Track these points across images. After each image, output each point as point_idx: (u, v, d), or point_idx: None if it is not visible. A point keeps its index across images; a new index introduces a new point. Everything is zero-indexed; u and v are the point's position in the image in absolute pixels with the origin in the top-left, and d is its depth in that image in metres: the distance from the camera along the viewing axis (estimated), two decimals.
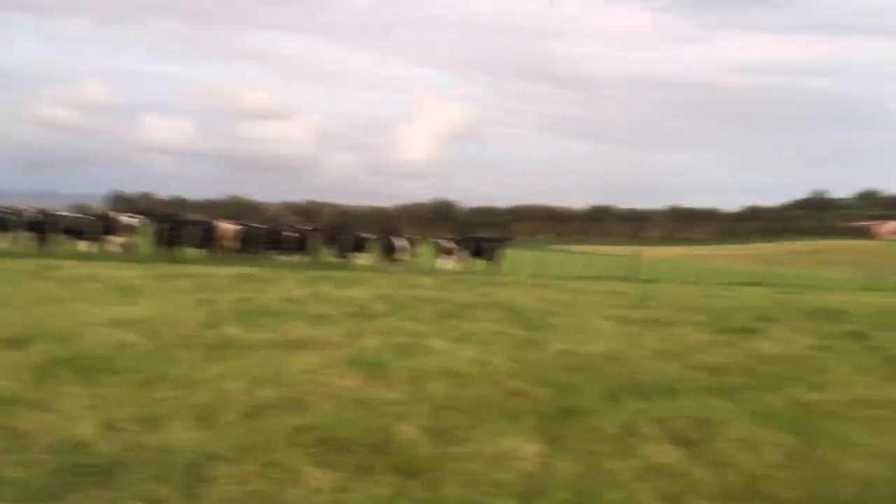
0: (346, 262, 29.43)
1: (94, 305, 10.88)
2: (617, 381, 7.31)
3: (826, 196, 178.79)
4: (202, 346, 8.01)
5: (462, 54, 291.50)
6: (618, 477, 4.64)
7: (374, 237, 31.96)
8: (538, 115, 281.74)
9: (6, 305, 10.51)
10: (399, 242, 31.65)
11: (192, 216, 37.95)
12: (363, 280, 20.02)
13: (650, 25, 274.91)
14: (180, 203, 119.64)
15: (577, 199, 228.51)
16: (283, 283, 17.42)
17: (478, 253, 32.82)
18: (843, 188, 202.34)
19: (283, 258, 28.12)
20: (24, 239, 26.10)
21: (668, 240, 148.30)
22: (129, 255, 25.81)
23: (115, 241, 27.05)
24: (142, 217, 28.79)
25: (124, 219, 28.06)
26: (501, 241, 35.24)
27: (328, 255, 30.18)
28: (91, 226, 27.29)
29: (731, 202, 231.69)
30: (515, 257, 36.76)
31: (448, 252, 32.21)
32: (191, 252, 27.51)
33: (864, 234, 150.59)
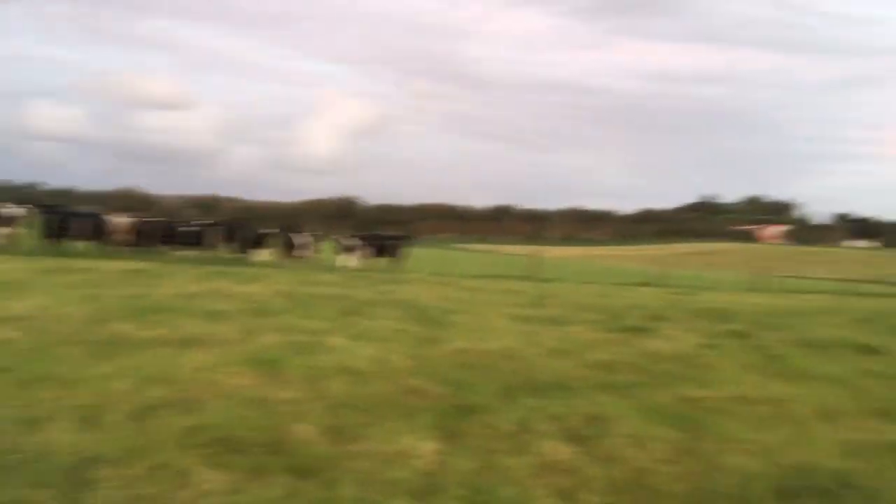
0: (245, 257, 28.81)
1: None
2: (513, 379, 7.42)
3: (715, 200, 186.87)
4: (88, 344, 7.68)
5: (368, 51, 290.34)
6: (513, 474, 4.70)
7: (275, 233, 31.41)
8: (443, 115, 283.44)
9: None
10: (301, 239, 31.22)
11: (82, 208, 36.34)
12: (262, 276, 19.63)
13: (552, 30, 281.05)
14: (69, 194, 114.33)
15: (480, 199, 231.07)
16: (177, 278, 16.90)
17: (380, 250, 32.73)
18: (731, 193, 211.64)
19: (179, 253, 27.30)
20: None
21: (567, 240, 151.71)
22: (12, 248, 24.48)
23: None
24: (28, 207, 27.34)
25: (8, 209, 26.58)
26: (404, 239, 35.26)
27: (227, 250, 29.48)
28: None
29: (628, 204, 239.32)
30: (418, 255, 36.87)
31: (350, 249, 31.96)
32: (80, 245, 26.34)
33: (750, 237, 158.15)
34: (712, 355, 10.13)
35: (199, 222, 31.62)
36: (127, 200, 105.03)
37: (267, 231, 31.37)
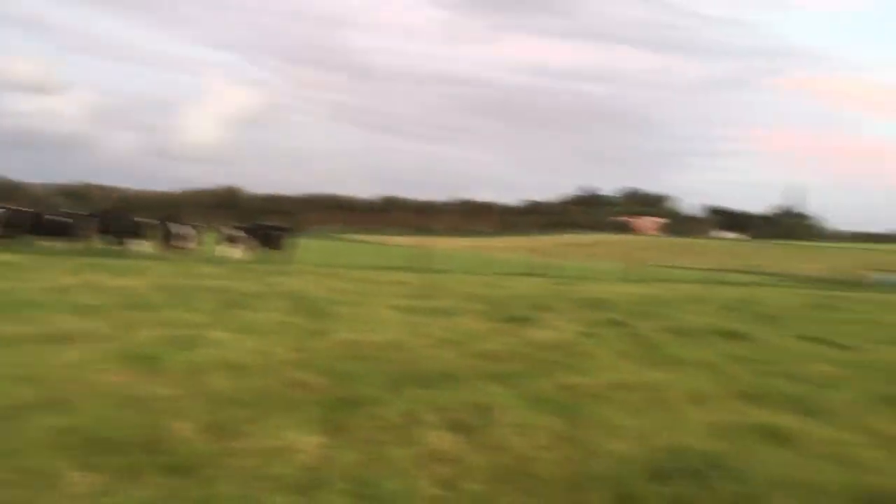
0: (122, 249, 27.59)
1: None
2: (400, 370, 7.43)
3: (596, 193, 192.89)
4: None
5: (253, 38, 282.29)
6: (398, 465, 4.71)
7: (154, 223, 30.19)
8: (330, 104, 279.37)
9: None
10: (181, 229, 30.16)
11: None
12: (140, 268, 18.89)
13: (440, 23, 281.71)
14: None
15: (368, 190, 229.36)
16: (49, 271, 16.02)
17: (265, 241, 32.08)
18: (610, 186, 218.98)
19: (49, 244, 25.85)
20: None
21: (455, 231, 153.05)
22: None
23: None
24: None
25: None
26: (289, 230, 34.67)
27: (103, 241, 28.15)
28: None
29: (513, 197, 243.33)
30: (304, 246, 36.35)
31: (233, 240, 31.17)
32: None
33: (628, 228, 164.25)
34: (591, 344, 10.46)
35: (71, 212, 30.02)
36: None
37: (145, 221, 30.13)
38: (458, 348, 9.26)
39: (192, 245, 29.91)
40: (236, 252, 30.30)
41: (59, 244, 26.07)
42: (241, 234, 31.80)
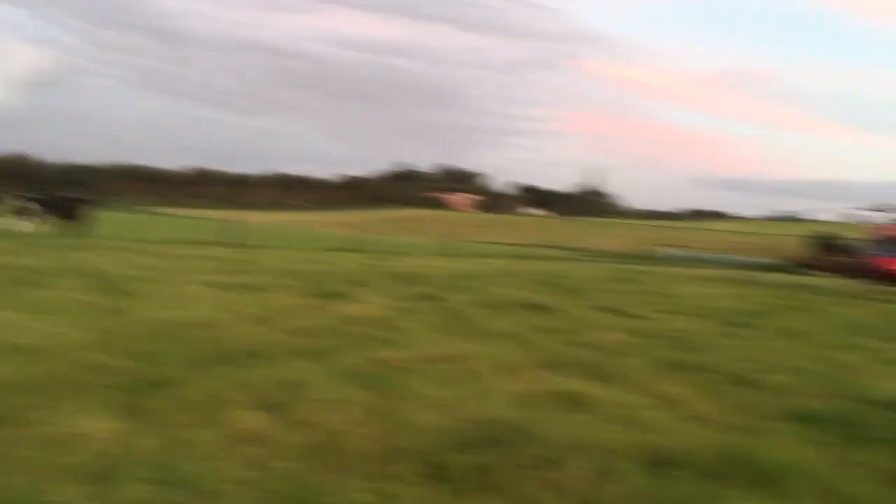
0: None
1: None
2: (207, 349, 7.17)
3: (412, 169, 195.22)
4: None
5: None
6: (202, 448, 4.54)
7: None
8: (136, 70, 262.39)
9: None
10: None
11: None
12: None
13: None
14: None
15: (177, 161, 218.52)
16: None
17: (60, 213, 29.78)
18: (425, 162, 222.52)
19: None
20: None
21: (271, 206, 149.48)
22: None
23: None
24: None
25: None
26: (88, 202, 32.38)
27: None
28: None
29: (330, 171, 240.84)
30: (105, 219, 34.07)
31: (24, 212, 28.69)
32: None
33: (441, 204, 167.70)
34: (404, 318, 10.61)
35: None
36: None
37: None
38: (269, 325, 9.07)
39: None
40: (28, 225, 27.92)
41: None
42: (34, 205, 29.32)
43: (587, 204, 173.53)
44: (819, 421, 6.17)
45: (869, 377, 8.52)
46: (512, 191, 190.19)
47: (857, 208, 38.15)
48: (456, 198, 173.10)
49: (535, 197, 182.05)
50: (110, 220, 35.26)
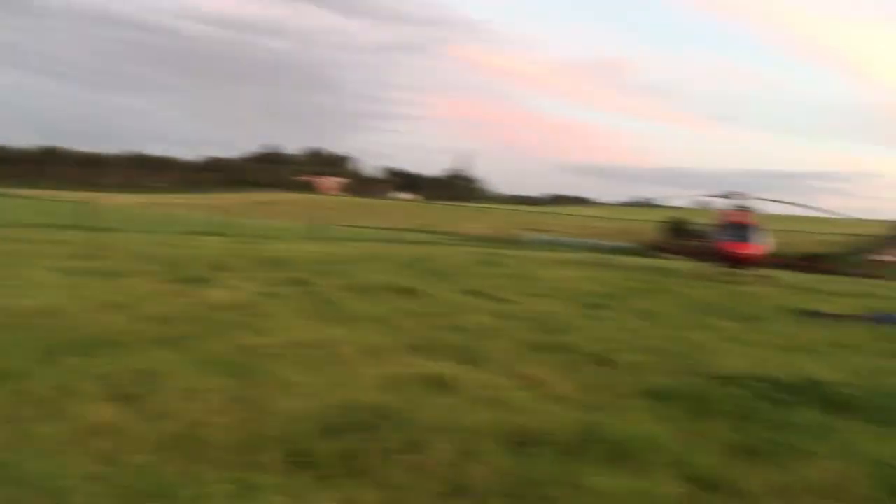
0: None
1: None
2: (55, 338, 6.75)
3: (279, 151, 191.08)
4: None
5: None
6: (48, 443, 4.28)
7: None
8: None
9: None
10: None
11: None
12: None
13: None
14: None
15: (23, 138, 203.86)
16: None
17: None
18: (293, 144, 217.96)
19: None
20: None
21: (127, 187, 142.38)
22: None
23: None
24: None
25: None
26: None
27: None
28: None
29: (192, 152, 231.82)
30: None
31: None
32: None
33: (310, 188, 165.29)
34: (270, 303, 10.40)
35: None
36: None
37: None
38: (125, 312, 8.65)
39: None
40: None
41: None
42: None
43: (455, 188, 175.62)
44: (669, 397, 6.52)
45: (715, 354, 9.09)
46: (381, 175, 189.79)
47: (706, 195, 40.39)
48: (325, 181, 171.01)
49: (404, 181, 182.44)
50: None
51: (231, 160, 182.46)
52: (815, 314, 14.95)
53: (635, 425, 5.40)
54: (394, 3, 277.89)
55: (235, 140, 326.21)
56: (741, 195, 31.82)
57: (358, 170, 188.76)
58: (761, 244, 29.68)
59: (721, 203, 33.13)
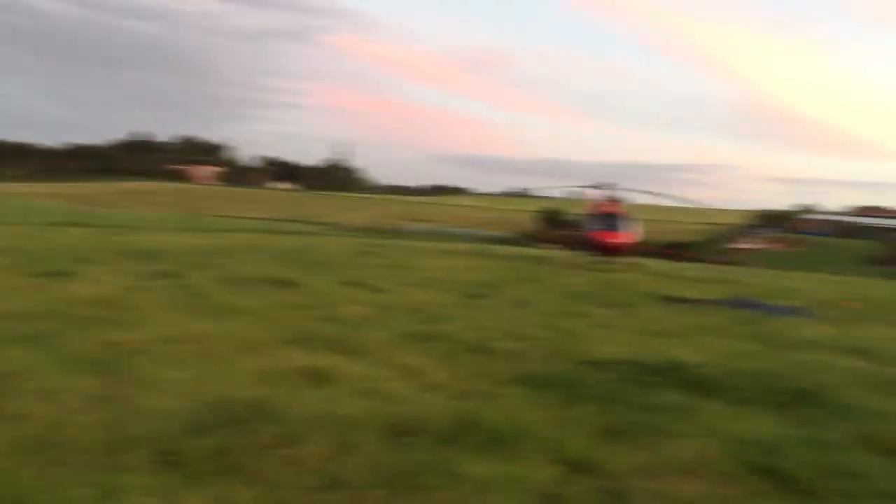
0: None
1: None
2: None
3: (149, 139, 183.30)
4: None
5: None
6: None
7: None
8: None
9: None
10: None
11: None
12: None
13: None
14: None
15: None
16: None
17: None
18: (164, 132, 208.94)
19: None
20: None
21: None
22: None
23: None
24: None
25: None
26: None
27: None
28: None
29: (55, 139, 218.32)
30: None
31: None
32: None
33: (183, 177, 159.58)
34: (138, 297, 10.00)
35: None
36: None
37: None
38: None
39: None
40: None
41: None
42: None
43: (334, 178, 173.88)
44: (543, 383, 6.70)
45: (587, 340, 9.39)
46: (257, 164, 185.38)
47: (579, 186, 41.65)
48: (198, 170, 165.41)
49: (281, 170, 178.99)
50: None
51: (97, 147, 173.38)
52: (680, 300, 15.72)
53: (510, 412, 5.52)
54: None
55: (102, 126, 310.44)
56: (611, 186, 32.98)
57: (234, 159, 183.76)
58: (630, 233, 30.88)
59: (593, 194, 34.21)
